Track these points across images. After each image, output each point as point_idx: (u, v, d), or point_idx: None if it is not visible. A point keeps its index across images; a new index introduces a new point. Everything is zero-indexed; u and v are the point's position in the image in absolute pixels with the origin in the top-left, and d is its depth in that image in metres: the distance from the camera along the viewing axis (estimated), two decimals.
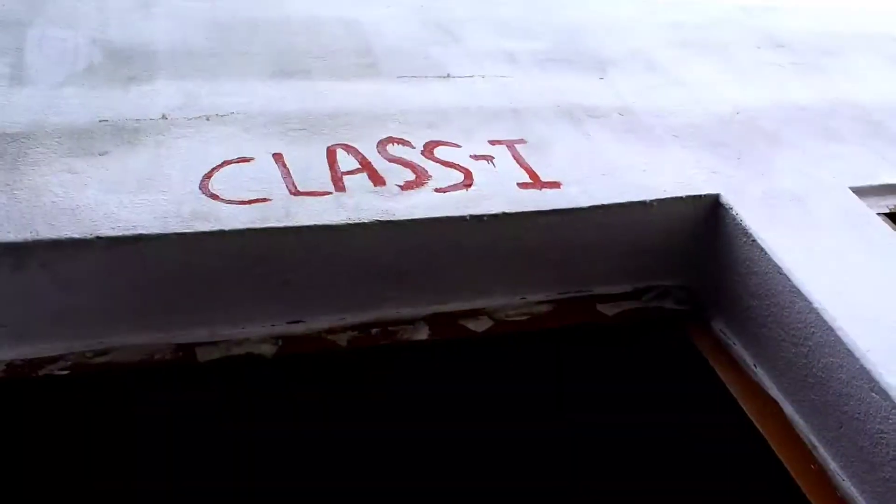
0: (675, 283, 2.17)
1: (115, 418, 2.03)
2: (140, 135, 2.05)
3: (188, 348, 1.87)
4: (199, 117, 2.13)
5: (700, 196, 2.08)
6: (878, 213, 2.17)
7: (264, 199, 1.86)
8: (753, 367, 2.00)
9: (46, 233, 1.74)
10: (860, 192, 2.22)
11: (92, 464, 2.13)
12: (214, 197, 1.86)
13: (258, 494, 2.35)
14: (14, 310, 1.80)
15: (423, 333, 1.96)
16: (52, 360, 1.84)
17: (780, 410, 1.92)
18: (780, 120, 2.49)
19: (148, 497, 2.23)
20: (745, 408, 1.94)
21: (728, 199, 2.07)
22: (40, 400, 1.87)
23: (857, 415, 1.74)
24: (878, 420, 1.69)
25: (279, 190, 1.90)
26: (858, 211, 2.15)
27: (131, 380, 1.84)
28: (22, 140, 2.00)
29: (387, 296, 1.97)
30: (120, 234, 1.75)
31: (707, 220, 2.09)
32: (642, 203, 2.03)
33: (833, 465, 1.81)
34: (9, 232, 1.73)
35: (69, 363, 1.84)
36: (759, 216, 2.03)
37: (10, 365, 1.82)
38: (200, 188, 1.88)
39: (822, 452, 1.83)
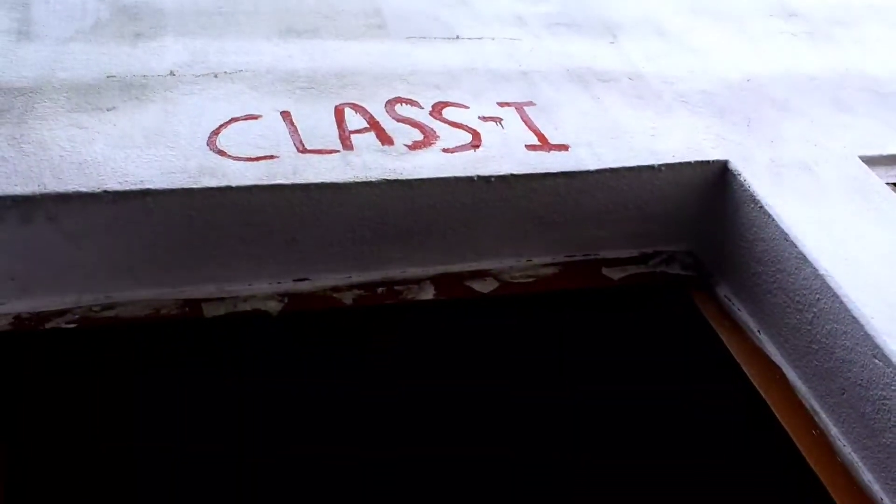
0: (681, 249, 2.17)
1: (121, 372, 2.04)
2: (148, 91, 2.04)
3: (195, 304, 1.88)
4: (207, 74, 2.13)
5: (708, 162, 2.07)
6: (888, 183, 2.16)
7: (272, 157, 1.86)
8: (757, 333, 2.01)
9: (54, 186, 1.74)
10: (870, 161, 2.21)
11: (96, 417, 2.15)
12: (222, 153, 1.86)
13: (261, 450, 2.37)
14: (21, 263, 1.80)
15: (428, 293, 1.97)
16: (59, 313, 1.85)
17: (783, 376, 1.92)
18: (790, 88, 2.47)
19: (151, 452, 2.25)
20: (748, 373, 1.94)
21: (736, 165, 2.06)
22: (47, 353, 1.88)
23: (859, 381, 1.75)
24: (881, 386, 1.69)
25: (287, 147, 1.90)
26: (867, 180, 2.13)
27: (138, 334, 1.85)
28: (29, 94, 1.99)
29: (393, 255, 1.97)
30: (127, 188, 1.75)
31: (715, 186, 2.08)
32: (650, 167, 2.02)
33: (834, 431, 1.82)
34: (16, 185, 1.73)
35: (76, 317, 1.84)
36: (768, 183, 2.03)
37: (18, 318, 1.83)
38: (208, 144, 1.88)
39: (824, 418, 1.84)
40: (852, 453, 1.78)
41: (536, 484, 2.93)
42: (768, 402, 1.89)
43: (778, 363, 1.95)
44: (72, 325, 1.83)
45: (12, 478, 1.72)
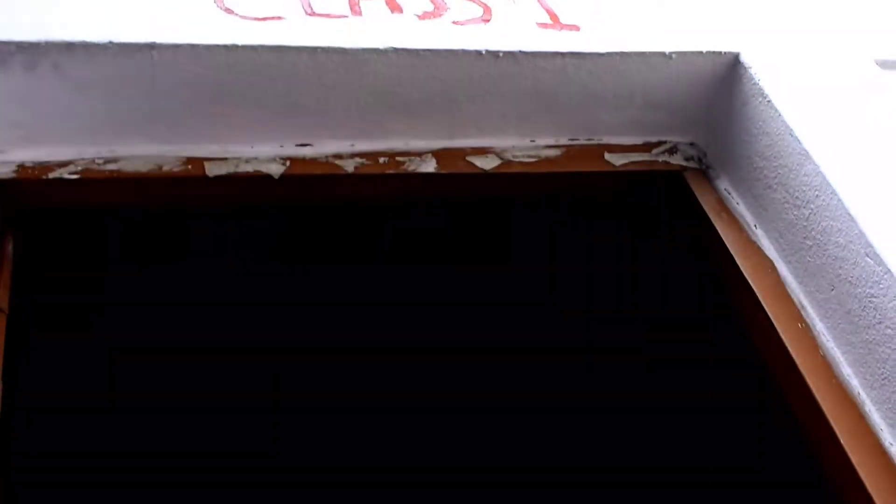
0: (685, 140, 2.16)
1: (123, 220, 2.07)
2: None
3: (197, 162, 1.89)
4: None
5: (720, 53, 2.04)
6: None
7: (278, 18, 1.84)
8: (754, 228, 2.02)
9: (59, 35, 1.72)
10: (884, 64, 2.18)
11: (96, 262, 2.19)
12: (229, 11, 1.84)
13: (251, 305, 2.42)
14: (25, 111, 1.80)
15: (430, 166, 1.97)
16: (62, 164, 1.86)
17: (775, 269, 1.94)
18: None
19: (146, 299, 2.30)
20: (740, 266, 1.95)
21: (748, 58, 2.03)
22: (49, 201, 1.90)
23: (849, 278, 1.77)
24: (870, 284, 1.71)
25: (294, 9, 1.87)
26: (880, 84, 2.11)
27: (140, 187, 1.87)
28: None
29: (396, 126, 1.96)
30: (133, 41, 1.74)
31: (724, 78, 2.06)
32: (661, 54, 1.99)
33: (819, 326, 1.85)
34: (21, 31, 1.72)
35: (79, 168, 1.86)
36: (778, 78, 2.00)
37: (21, 166, 1.85)
38: (215, 1, 1.86)
39: (811, 312, 1.87)
40: (835, 348, 1.82)
41: (523, 374, 3.00)
42: (758, 295, 1.91)
43: (771, 257, 1.97)
44: (75, 176, 1.85)
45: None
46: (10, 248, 1.85)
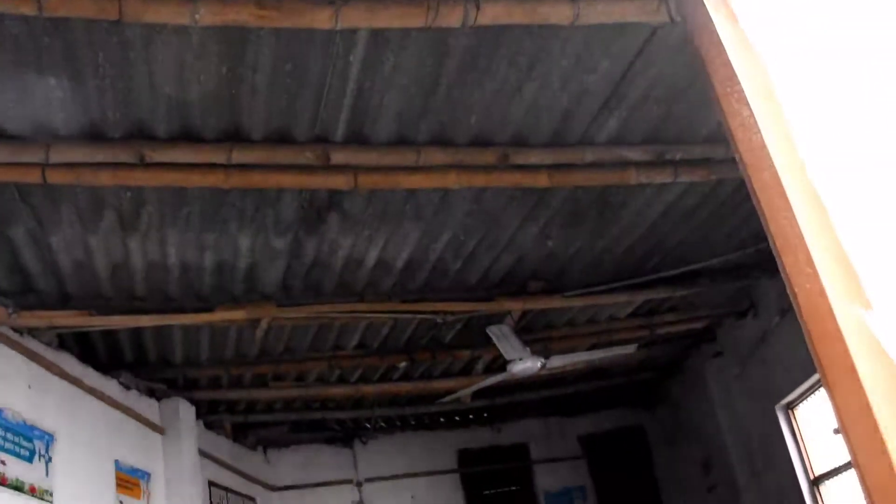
0: None
1: None
2: None
3: None
4: None
5: None
6: None
7: None
8: (753, 27, 1.97)
9: None
10: None
11: None
12: None
13: None
14: None
15: None
16: None
17: (767, 71, 1.92)
18: None
19: None
20: (733, 63, 1.94)
21: None
22: None
23: (840, 80, 1.79)
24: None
25: None
26: None
27: None
28: None
29: None
30: None
31: None
32: None
33: (803, 127, 1.85)
34: None
35: None
36: None
37: None
38: None
39: (796, 113, 1.87)
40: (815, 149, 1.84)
41: None
42: (747, 94, 1.91)
43: (765, 59, 1.93)
44: None
45: None
46: None
